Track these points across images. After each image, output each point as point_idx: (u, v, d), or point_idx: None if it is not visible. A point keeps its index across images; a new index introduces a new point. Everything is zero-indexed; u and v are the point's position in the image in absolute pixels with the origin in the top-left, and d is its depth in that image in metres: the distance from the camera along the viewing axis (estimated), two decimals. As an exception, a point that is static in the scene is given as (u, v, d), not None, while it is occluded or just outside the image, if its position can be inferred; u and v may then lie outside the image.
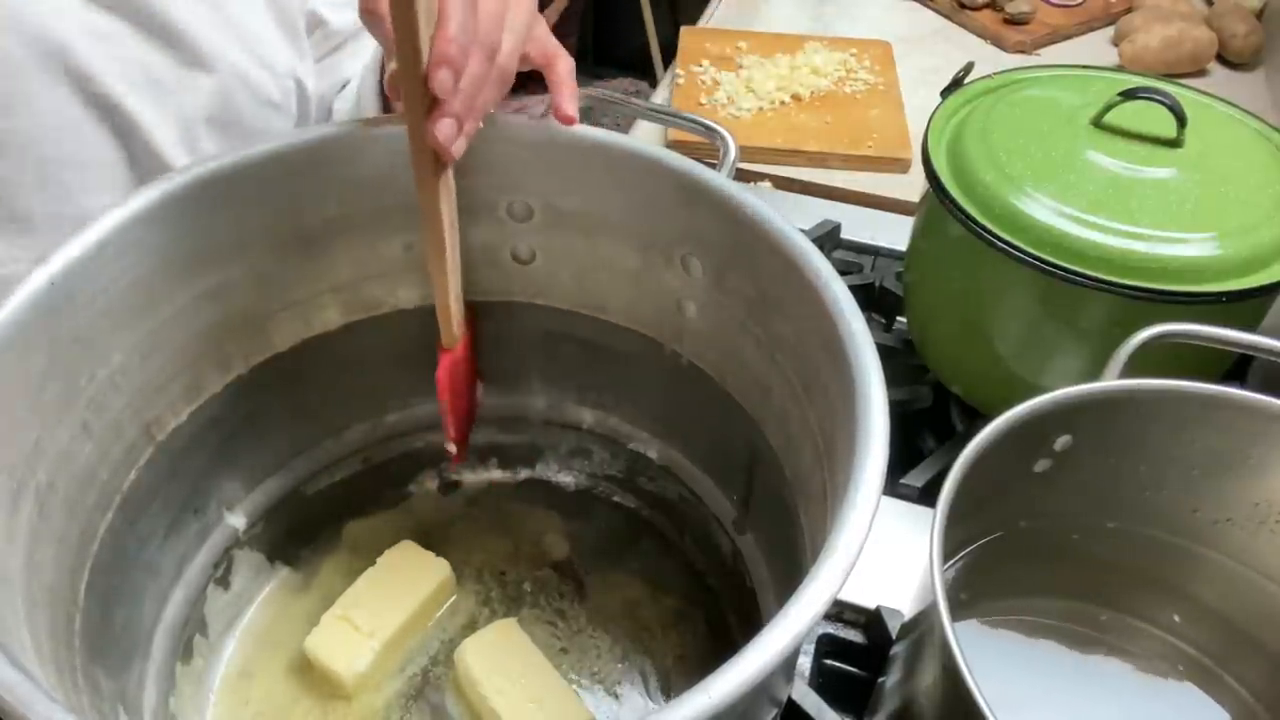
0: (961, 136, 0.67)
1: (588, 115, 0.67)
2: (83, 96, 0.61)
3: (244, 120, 0.69)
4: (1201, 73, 1.17)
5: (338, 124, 0.61)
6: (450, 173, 0.51)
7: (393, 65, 0.49)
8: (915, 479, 0.71)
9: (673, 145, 0.99)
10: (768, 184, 1.01)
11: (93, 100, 0.62)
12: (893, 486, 0.70)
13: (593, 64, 2.35)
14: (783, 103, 1.09)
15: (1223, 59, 1.19)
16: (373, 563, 0.63)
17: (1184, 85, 0.69)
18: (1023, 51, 1.23)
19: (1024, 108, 0.68)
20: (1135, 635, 0.58)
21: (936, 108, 0.70)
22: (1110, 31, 1.25)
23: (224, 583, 0.62)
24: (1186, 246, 0.59)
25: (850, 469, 0.40)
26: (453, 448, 0.63)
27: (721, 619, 0.64)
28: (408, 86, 0.47)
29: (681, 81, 1.12)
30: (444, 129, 0.47)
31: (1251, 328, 0.62)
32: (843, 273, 0.49)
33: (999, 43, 1.24)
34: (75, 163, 0.63)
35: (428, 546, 0.64)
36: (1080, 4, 1.28)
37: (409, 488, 0.70)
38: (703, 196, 0.53)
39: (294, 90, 0.72)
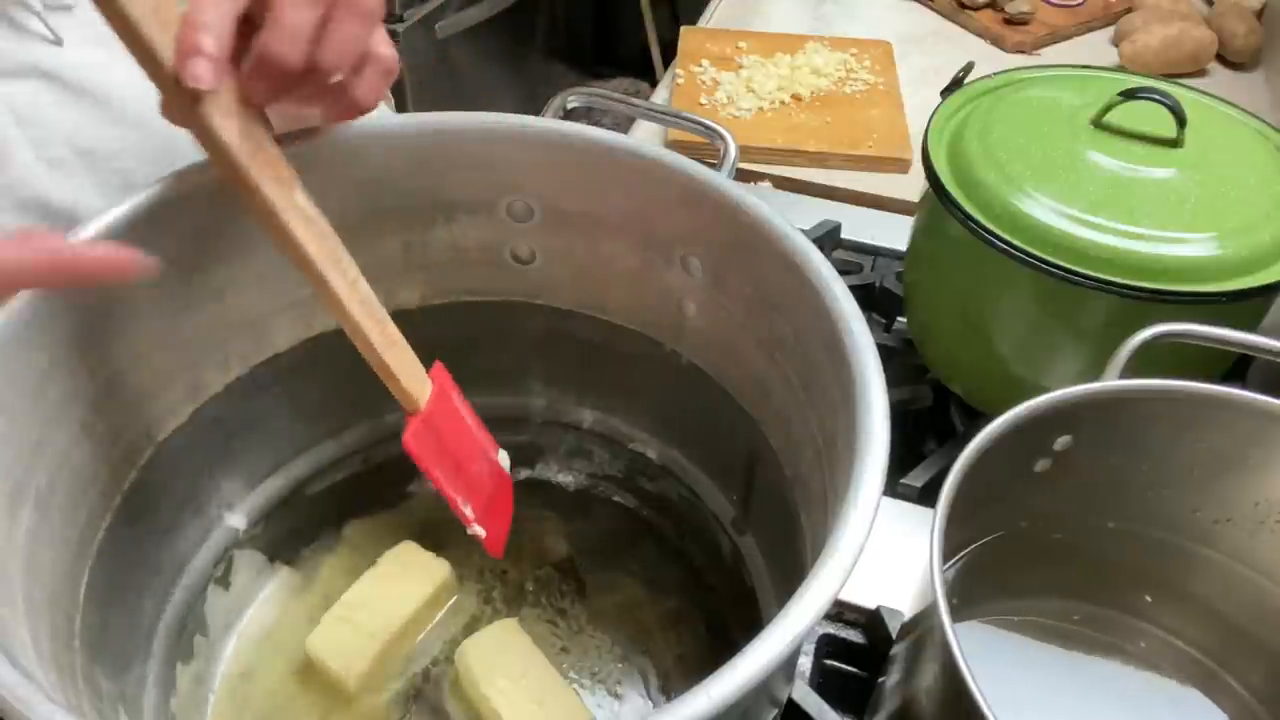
0: (961, 136, 0.67)
1: (588, 115, 0.67)
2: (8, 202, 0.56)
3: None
4: (1201, 73, 1.17)
5: (338, 124, 0.61)
6: (289, 174, 0.44)
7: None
8: (915, 479, 0.71)
9: (673, 145, 0.99)
10: (768, 184, 1.01)
11: (20, 205, 0.57)
12: (893, 486, 0.70)
13: (593, 64, 2.35)
14: (783, 103, 1.09)
15: (1223, 59, 1.19)
16: (373, 563, 0.63)
17: (1184, 85, 0.69)
18: (1023, 51, 1.23)
19: (1024, 108, 0.68)
20: (1135, 635, 0.58)
21: (936, 108, 0.70)
22: (1110, 31, 1.25)
23: (224, 583, 0.62)
24: (1186, 246, 0.59)
25: (850, 469, 0.40)
26: (479, 530, 0.52)
27: (721, 619, 0.64)
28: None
29: (681, 81, 1.12)
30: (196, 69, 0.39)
31: (1251, 328, 0.62)
32: (843, 273, 0.49)
33: (999, 43, 1.24)
34: None
35: (428, 546, 0.64)
36: (1080, 4, 1.28)
37: (409, 488, 0.70)
38: (703, 196, 0.53)
39: None
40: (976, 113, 0.69)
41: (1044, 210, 0.61)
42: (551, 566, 0.67)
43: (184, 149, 0.62)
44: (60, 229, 0.57)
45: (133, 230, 0.49)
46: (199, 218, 0.52)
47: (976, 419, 0.74)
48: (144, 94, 0.61)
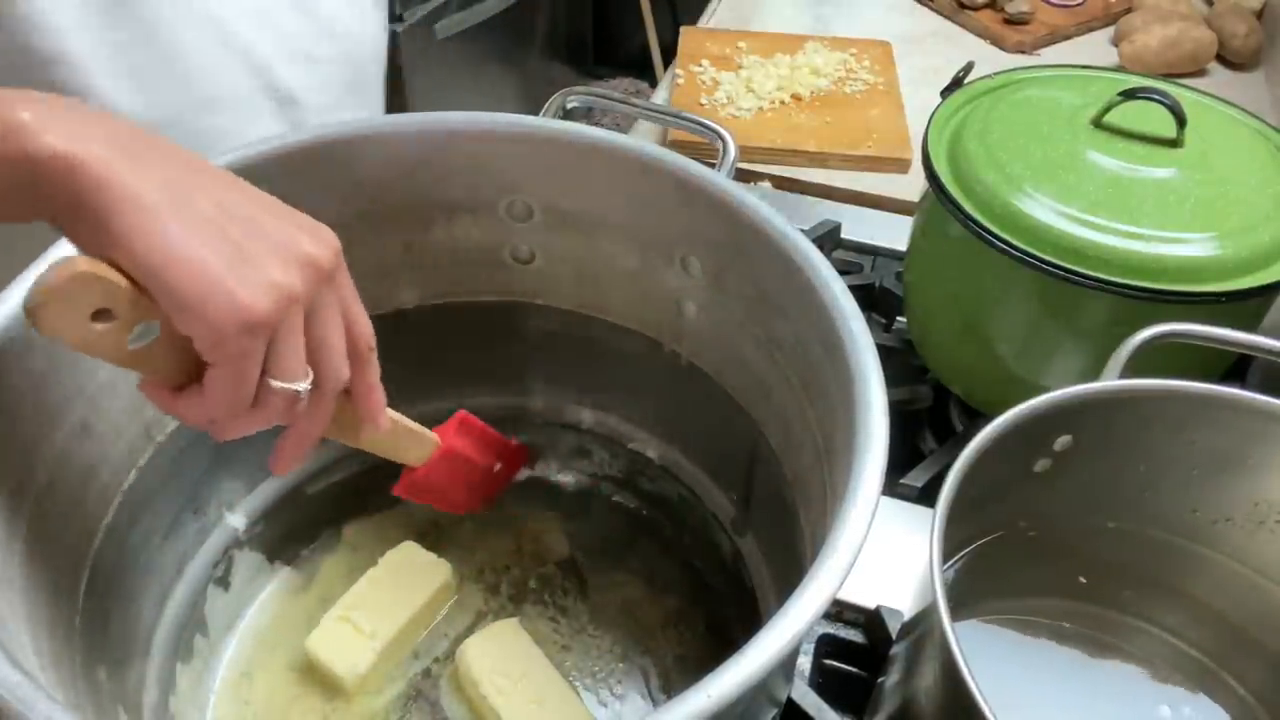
0: (961, 136, 0.67)
1: (588, 115, 0.67)
2: (246, 67, 0.67)
3: (369, 85, 0.76)
4: (1201, 73, 1.17)
5: (337, 124, 0.61)
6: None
7: None
8: (915, 479, 0.71)
9: (673, 145, 0.99)
10: (767, 184, 1.01)
11: (254, 71, 0.67)
12: (893, 486, 0.70)
13: (593, 64, 2.35)
14: (783, 103, 1.09)
15: (1223, 59, 1.19)
16: (373, 563, 0.63)
17: (1184, 85, 0.69)
18: (1023, 51, 1.23)
19: (1024, 108, 0.68)
20: (1135, 635, 0.58)
21: (936, 108, 0.70)
22: (1110, 31, 1.25)
23: (224, 583, 0.62)
24: (1186, 246, 0.59)
25: (850, 469, 0.40)
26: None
27: (721, 619, 0.64)
28: None
29: (681, 81, 1.12)
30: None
31: (1251, 328, 0.62)
32: (843, 273, 0.49)
33: (999, 43, 1.24)
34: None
35: (428, 546, 0.64)
36: (1080, 4, 1.28)
37: (409, 488, 0.70)
38: (702, 196, 0.53)
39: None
40: (976, 113, 0.69)
41: (1044, 210, 0.61)
42: (553, 565, 0.67)
43: (369, 72, 0.78)
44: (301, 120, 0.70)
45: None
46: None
47: (976, 419, 0.74)
48: (346, 9, 0.72)
